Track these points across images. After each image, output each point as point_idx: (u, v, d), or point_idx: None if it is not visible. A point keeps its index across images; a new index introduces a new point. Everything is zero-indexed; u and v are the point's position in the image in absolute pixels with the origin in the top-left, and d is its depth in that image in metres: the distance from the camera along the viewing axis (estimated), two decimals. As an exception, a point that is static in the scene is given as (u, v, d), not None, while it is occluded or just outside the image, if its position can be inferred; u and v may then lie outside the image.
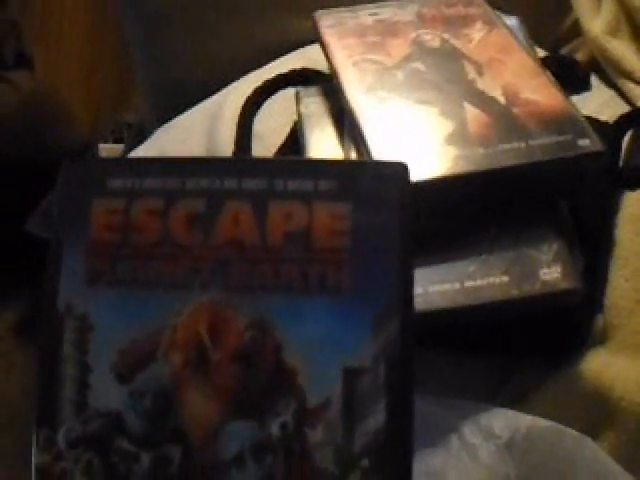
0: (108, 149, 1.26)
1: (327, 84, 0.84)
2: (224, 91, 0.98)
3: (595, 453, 0.67)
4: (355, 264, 0.47)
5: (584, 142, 0.71)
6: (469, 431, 0.67)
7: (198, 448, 0.46)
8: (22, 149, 1.32)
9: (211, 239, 0.48)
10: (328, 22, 0.86)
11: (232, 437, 0.46)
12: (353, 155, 0.75)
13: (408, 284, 0.47)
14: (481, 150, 0.70)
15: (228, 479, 0.46)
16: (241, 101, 0.91)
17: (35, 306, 1.39)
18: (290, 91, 0.91)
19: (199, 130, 0.93)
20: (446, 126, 0.73)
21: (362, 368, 0.46)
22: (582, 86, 0.93)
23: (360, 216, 0.48)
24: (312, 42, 0.95)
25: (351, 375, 0.46)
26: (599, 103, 0.89)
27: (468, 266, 0.69)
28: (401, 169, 0.49)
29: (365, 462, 0.45)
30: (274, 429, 0.46)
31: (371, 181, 0.49)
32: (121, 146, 1.25)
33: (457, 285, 0.68)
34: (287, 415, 0.46)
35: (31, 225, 1.16)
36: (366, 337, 0.46)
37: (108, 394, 0.48)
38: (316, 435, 0.46)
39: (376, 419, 0.45)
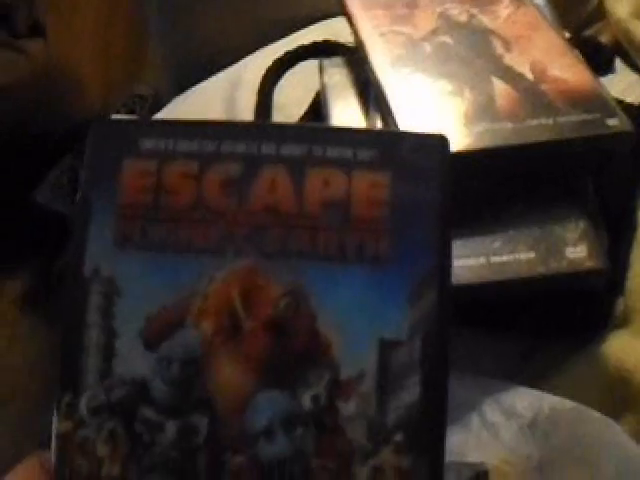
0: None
1: (350, 55, 0.83)
2: (244, 61, 0.97)
3: (618, 436, 0.66)
4: (394, 234, 0.46)
5: (613, 121, 0.70)
6: (490, 410, 0.66)
7: (226, 418, 0.45)
8: (33, 119, 1.31)
9: (246, 204, 0.46)
10: (353, -7, 0.85)
11: (262, 408, 0.45)
12: (378, 125, 0.73)
13: (447, 256, 0.46)
14: (509, 125, 0.69)
15: (256, 451, 0.45)
16: (261, 71, 0.90)
17: (40, 277, 1.38)
18: (310, 63, 0.90)
19: (218, 98, 0.92)
20: (474, 100, 0.72)
21: (398, 340, 0.45)
22: (606, 68, 0.92)
23: (400, 186, 0.46)
24: (334, 15, 0.94)
25: (386, 347, 0.44)
26: (623, 86, 0.88)
27: (494, 241, 0.68)
28: (442, 140, 0.48)
29: (398, 436, 0.44)
30: (306, 401, 0.45)
31: (411, 151, 0.47)
32: (134, 118, 1.24)
33: (483, 260, 0.67)
34: (319, 387, 0.44)
35: (39, 196, 1.14)
36: (403, 309, 0.45)
37: (134, 361, 0.46)
38: (349, 408, 0.44)
39: (410, 393, 0.44)
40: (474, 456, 0.65)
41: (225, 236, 0.46)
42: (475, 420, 0.67)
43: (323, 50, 0.89)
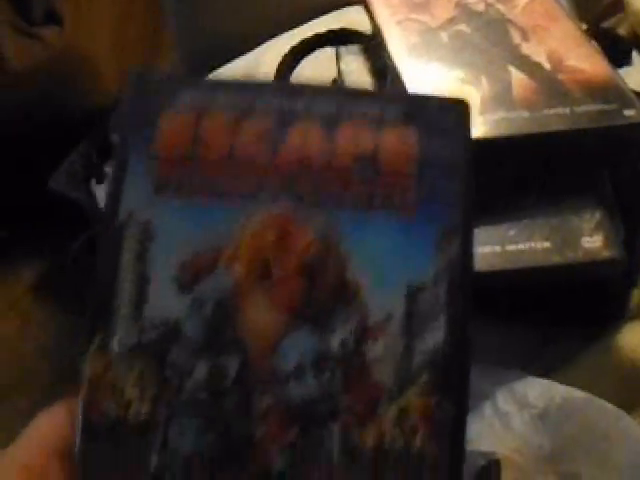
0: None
1: (367, 43, 0.83)
2: (260, 49, 0.97)
3: (630, 427, 0.66)
4: (421, 186, 0.47)
5: (630, 112, 0.70)
6: (503, 399, 0.66)
7: (256, 359, 0.46)
8: (49, 105, 1.31)
9: (279, 155, 0.48)
10: (372, -19, 0.84)
11: (292, 349, 0.45)
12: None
13: (470, 210, 0.47)
14: (526, 114, 0.69)
15: (286, 392, 0.45)
16: (277, 59, 0.90)
17: (55, 264, 1.38)
18: (326, 51, 0.89)
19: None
20: (490, 89, 0.71)
21: (424, 285, 0.46)
22: (624, 60, 0.92)
23: (427, 142, 0.47)
24: (350, 4, 0.94)
25: (414, 292, 0.45)
26: (641, 77, 0.88)
27: (509, 230, 0.68)
28: (464, 104, 0.49)
29: (424, 377, 0.45)
30: (334, 343, 0.45)
31: (437, 111, 0.48)
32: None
33: (498, 248, 0.67)
34: (348, 330, 0.45)
35: (55, 183, 1.15)
36: (430, 255, 0.46)
37: (166, 303, 0.47)
38: (376, 350, 0.45)
39: (435, 336, 0.45)
40: (486, 445, 0.65)
41: (258, 184, 0.48)
42: (488, 409, 0.67)
43: (339, 38, 0.89)
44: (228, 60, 0.99)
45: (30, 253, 1.42)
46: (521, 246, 0.67)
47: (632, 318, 0.72)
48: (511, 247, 0.67)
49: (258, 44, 1.00)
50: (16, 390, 1.25)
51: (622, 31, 0.99)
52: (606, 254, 0.67)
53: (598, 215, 0.69)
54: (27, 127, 1.28)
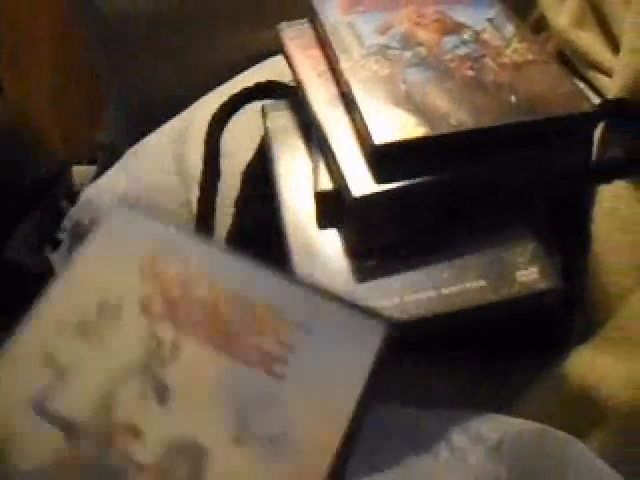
0: (82, 171, 1.25)
1: (293, 97, 0.83)
2: (191, 108, 0.97)
3: (584, 454, 0.66)
4: None
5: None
6: (457, 437, 0.67)
7: None
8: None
9: None
10: (291, 34, 0.85)
11: None
12: (322, 167, 0.74)
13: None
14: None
15: None
16: (207, 117, 0.90)
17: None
18: (256, 105, 0.90)
19: (168, 150, 0.92)
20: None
21: None
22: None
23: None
24: (279, 53, 0.95)
25: None
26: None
27: (442, 273, 0.68)
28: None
29: None
30: None
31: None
32: (94, 168, 1.24)
33: (433, 293, 0.67)
34: None
35: (11, 251, 1.15)
36: None
37: None
38: None
39: None
40: (444, 481, 0.65)
41: None
42: (443, 449, 0.67)
43: (267, 91, 0.89)
44: (164, 120, 0.99)
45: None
46: (456, 288, 0.67)
47: (578, 342, 0.72)
48: (446, 290, 0.67)
49: (194, 100, 1.00)
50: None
51: (549, 48, 0.99)
52: (543, 285, 0.68)
53: (532, 247, 0.70)
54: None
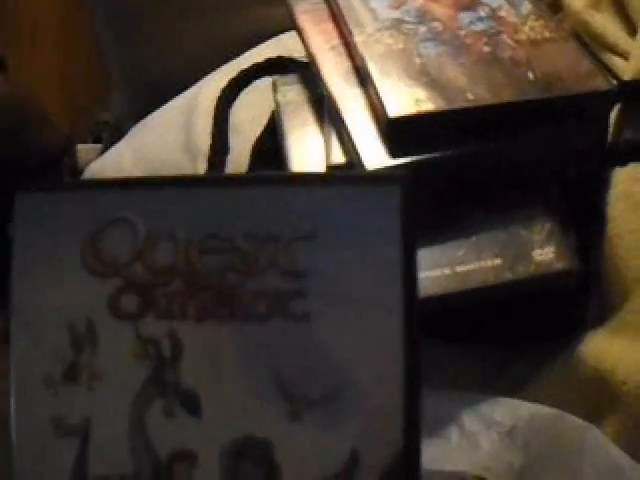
0: (87, 149, 1.24)
1: (304, 71, 0.82)
2: (199, 84, 0.96)
3: (599, 440, 0.65)
4: None
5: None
6: (469, 420, 0.65)
7: None
8: (1, 151, 1.30)
9: None
10: (303, 8, 0.84)
11: None
12: (334, 141, 0.72)
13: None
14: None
15: None
16: (216, 93, 0.89)
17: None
18: (266, 81, 0.89)
19: (175, 125, 0.91)
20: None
21: None
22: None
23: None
24: (288, 30, 0.94)
25: None
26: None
27: (458, 250, 0.67)
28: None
29: None
30: None
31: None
32: (99, 146, 1.23)
33: (448, 270, 0.66)
34: None
35: (12, 230, 1.13)
36: None
37: None
38: None
39: None
40: (456, 466, 0.64)
41: None
42: (455, 432, 0.66)
43: (277, 67, 0.88)
44: (170, 97, 0.98)
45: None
46: (471, 266, 0.66)
47: (593, 326, 0.71)
48: (461, 268, 0.66)
49: (200, 78, 0.99)
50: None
51: (566, 29, 0.98)
52: (559, 265, 0.66)
53: (548, 226, 0.68)
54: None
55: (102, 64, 1.30)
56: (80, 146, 1.27)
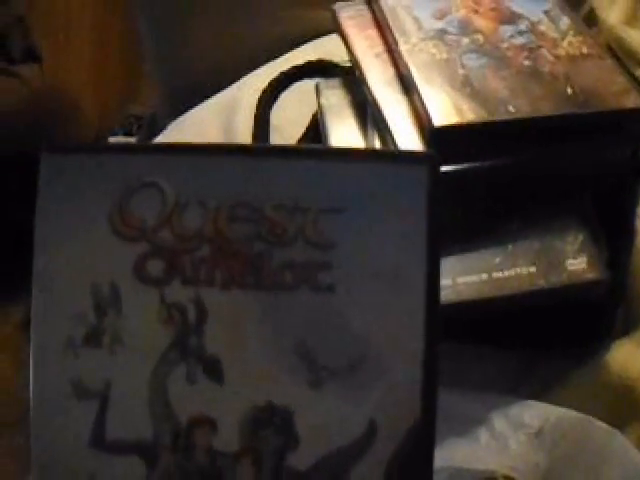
0: (119, 142, 1.26)
1: (347, 76, 0.84)
2: (238, 83, 0.98)
3: (624, 446, 0.66)
4: None
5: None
6: (498, 422, 0.67)
7: None
8: (30, 144, 1.32)
9: None
10: (348, 14, 0.85)
11: None
12: (377, 145, 0.74)
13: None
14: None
15: None
16: (257, 93, 0.90)
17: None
18: (305, 83, 0.90)
19: (214, 123, 0.93)
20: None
21: None
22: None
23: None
24: (327, 34, 0.95)
25: None
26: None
27: (494, 257, 0.69)
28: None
29: None
30: None
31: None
32: (131, 140, 1.25)
33: (485, 276, 0.68)
34: None
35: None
36: None
37: None
38: None
39: None
40: (484, 466, 0.66)
41: None
42: (484, 433, 0.68)
43: (317, 70, 0.90)
44: (208, 95, 1.00)
45: (18, 291, 1.42)
46: (507, 273, 0.68)
47: (620, 336, 0.73)
48: (497, 274, 0.68)
49: (238, 77, 1.00)
50: (13, 428, 1.25)
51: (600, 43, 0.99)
52: (591, 275, 0.68)
53: (581, 237, 0.70)
54: (11, 165, 1.29)
55: (134, 59, 1.31)
56: (111, 139, 1.29)
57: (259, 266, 0.48)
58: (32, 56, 1.32)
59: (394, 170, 0.49)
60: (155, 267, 0.49)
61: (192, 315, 0.48)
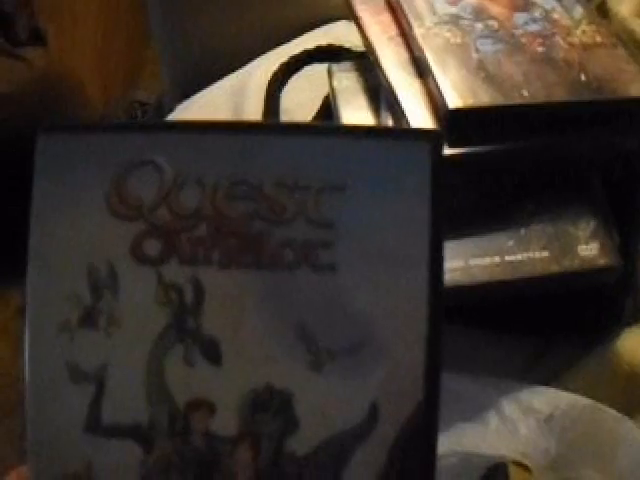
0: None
1: (358, 59, 0.84)
2: (248, 67, 0.97)
3: (633, 433, 0.67)
4: None
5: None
6: (508, 407, 0.67)
7: None
8: (34, 125, 1.31)
9: None
10: (361, -2, 0.85)
11: None
12: (390, 128, 0.74)
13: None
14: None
15: None
16: (267, 76, 0.90)
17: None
18: (315, 68, 0.90)
19: (223, 106, 0.93)
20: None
21: None
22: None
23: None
24: (334, 19, 0.95)
25: None
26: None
27: (507, 240, 0.69)
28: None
29: None
30: None
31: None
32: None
33: (497, 259, 0.67)
34: None
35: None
36: None
37: None
38: None
39: None
40: (494, 450, 0.66)
41: None
42: (494, 418, 0.68)
43: (327, 54, 0.90)
44: (216, 79, 1.00)
45: (16, 276, 1.42)
46: (519, 256, 0.68)
47: (630, 324, 0.73)
48: (510, 258, 0.68)
49: (246, 61, 1.00)
50: (11, 412, 1.25)
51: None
52: (602, 262, 0.68)
53: (593, 223, 0.70)
54: (14, 148, 1.29)
55: (139, 44, 1.31)
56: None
57: (258, 245, 0.47)
58: (38, 39, 1.31)
59: (396, 147, 0.48)
60: (152, 247, 0.48)
61: (190, 295, 0.47)
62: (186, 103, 1.00)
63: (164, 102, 1.18)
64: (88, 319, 0.48)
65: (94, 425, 0.48)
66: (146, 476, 0.47)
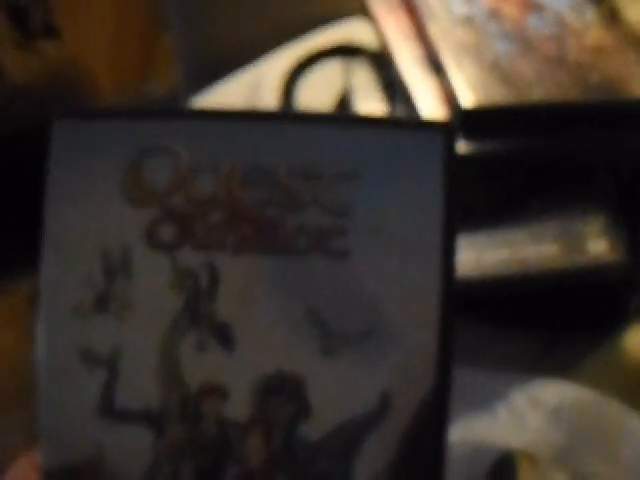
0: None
1: (373, 57, 0.85)
2: (263, 62, 0.98)
3: (638, 426, 0.68)
4: None
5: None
6: (516, 399, 0.68)
7: None
8: (47, 118, 1.32)
9: None
10: (377, -5, 0.87)
11: None
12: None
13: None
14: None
15: None
16: (282, 71, 0.91)
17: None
18: (331, 64, 0.91)
19: (239, 100, 0.94)
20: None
21: None
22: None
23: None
24: (347, 15, 0.96)
25: None
26: None
27: (518, 235, 0.70)
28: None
29: None
30: None
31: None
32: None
33: (507, 252, 0.69)
34: None
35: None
36: None
37: None
38: None
39: None
40: (501, 442, 0.67)
41: None
42: (501, 409, 0.69)
43: (342, 51, 0.91)
44: (229, 74, 1.00)
45: (27, 264, 1.42)
46: (529, 251, 0.69)
47: (637, 319, 0.74)
48: (520, 252, 0.69)
49: (261, 55, 1.01)
50: (16, 402, 1.25)
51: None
52: (612, 257, 0.70)
53: (603, 219, 0.71)
54: (27, 140, 1.29)
55: (155, 37, 1.31)
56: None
57: (272, 231, 0.47)
58: (51, 32, 1.32)
59: (410, 136, 0.48)
60: (167, 232, 0.48)
61: (203, 281, 0.48)
62: (200, 98, 1.01)
63: (178, 96, 1.19)
64: (102, 303, 0.48)
65: (107, 410, 0.48)
66: (157, 461, 0.48)
